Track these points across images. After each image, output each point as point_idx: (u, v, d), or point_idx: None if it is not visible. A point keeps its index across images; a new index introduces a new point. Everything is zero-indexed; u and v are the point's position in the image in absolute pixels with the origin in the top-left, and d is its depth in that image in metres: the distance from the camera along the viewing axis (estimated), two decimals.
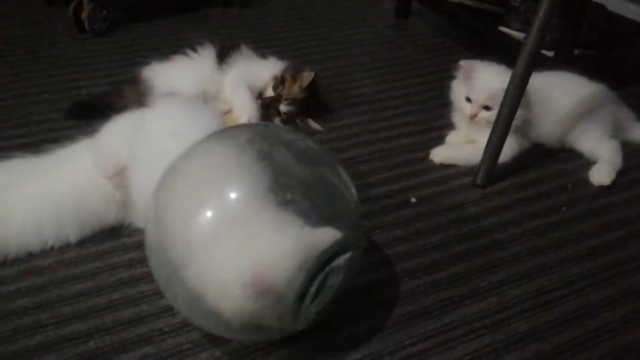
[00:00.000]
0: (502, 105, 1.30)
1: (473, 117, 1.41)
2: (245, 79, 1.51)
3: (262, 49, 1.70)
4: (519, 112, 1.33)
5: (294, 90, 1.52)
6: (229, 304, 0.82)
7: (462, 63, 1.43)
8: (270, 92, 1.53)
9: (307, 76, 1.53)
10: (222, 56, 1.56)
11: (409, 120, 1.63)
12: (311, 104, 1.58)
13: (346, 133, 1.56)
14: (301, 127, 1.55)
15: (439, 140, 1.53)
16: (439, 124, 1.58)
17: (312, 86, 1.55)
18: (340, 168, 0.95)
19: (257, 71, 1.55)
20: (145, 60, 1.60)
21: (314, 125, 1.55)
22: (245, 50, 1.60)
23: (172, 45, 1.88)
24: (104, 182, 1.16)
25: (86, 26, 1.92)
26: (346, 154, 1.48)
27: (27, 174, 1.16)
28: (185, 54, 1.57)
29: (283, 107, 1.53)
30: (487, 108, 1.40)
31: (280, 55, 1.66)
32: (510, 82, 1.27)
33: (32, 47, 1.87)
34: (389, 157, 1.48)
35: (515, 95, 1.28)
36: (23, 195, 1.12)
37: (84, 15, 1.92)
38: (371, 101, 1.72)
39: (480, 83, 1.40)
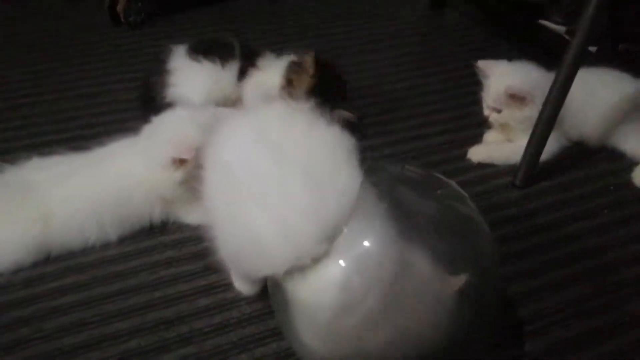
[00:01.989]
0: (545, 104, 1.27)
1: (486, 119, 1.42)
2: (262, 91, 1.45)
3: (293, 42, 1.69)
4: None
5: (304, 80, 1.42)
6: None
7: (480, 64, 1.42)
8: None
9: (307, 60, 1.41)
10: (245, 59, 1.49)
11: (445, 117, 1.61)
12: (332, 87, 1.47)
13: (380, 130, 1.55)
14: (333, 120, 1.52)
15: (477, 138, 1.51)
16: (476, 121, 1.54)
17: (319, 66, 1.42)
18: (467, 198, 0.86)
19: (272, 78, 1.46)
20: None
21: (346, 114, 1.48)
22: (264, 55, 1.52)
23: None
24: (147, 180, 1.16)
25: (122, 19, 1.94)
26: (380, 153, 1.46)
27: (68, 171, 1.17)
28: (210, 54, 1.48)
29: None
30: (497, 110, 1.38)
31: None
32: (555, 81, 1.24)
33: (68, 40, 1.89)
34: (424, 156, 1.46)
35: (559, 94, 1.24)
36: (64, 193, 1.14)
37: (119, 7, 1.93)
38: (406, 97, 1.69)
39: (490, 84, 1.40)
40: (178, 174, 1.15)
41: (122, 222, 1.17)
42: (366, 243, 0.77)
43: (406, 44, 1.97)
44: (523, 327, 1.04)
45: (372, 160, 0.87)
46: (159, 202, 1.19)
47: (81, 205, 1.14)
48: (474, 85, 1.51)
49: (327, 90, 1.43)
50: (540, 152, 1.33)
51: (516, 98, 1.36)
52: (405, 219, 0.77)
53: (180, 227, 1.22)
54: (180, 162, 1.14)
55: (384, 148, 1.48)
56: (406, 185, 0.82)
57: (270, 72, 1.47)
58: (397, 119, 1.59)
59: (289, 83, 1.43)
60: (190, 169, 1.13)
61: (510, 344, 1.02)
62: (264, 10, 2.15)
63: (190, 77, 1.46)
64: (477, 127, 1.53)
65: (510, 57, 1.47)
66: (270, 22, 2.07)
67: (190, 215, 1.22)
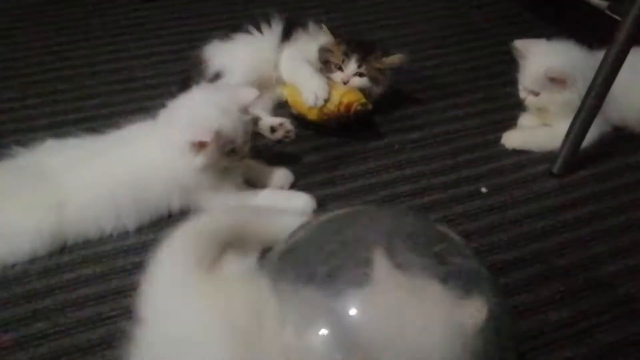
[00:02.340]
0: (591, 87, 1.18)
1: (522, 102, 1.34)
2: (304, 55, 1.39)
3: (316, 16, 1.60)
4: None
5: (375, 66, 1.37)
6: None
7: (517, 44, 1.33)
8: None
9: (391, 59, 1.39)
10: (286, 34, 1.43)
11: (478, 97, 1.52)
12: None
13: (408, 112, 1.47)
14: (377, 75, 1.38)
15: (511, 121, 1.42)
16: (510, 103, 1.45)
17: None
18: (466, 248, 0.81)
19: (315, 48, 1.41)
20: (202, 32, 1.53)
21: (394, 59, 1.39)
22: (312, 27, 1.46)
23: (235, 16, 1.80)
24: (165, 167, 1.11)
25: None
26: (408, 136, 1.39)
27: (83, 156, 1.12)
28: (247, 31, 1.43)
29: (359, 82, 1.36)
30: (534, 93, 1.29)
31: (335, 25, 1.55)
32: (603, 62, 1.14)
33: (88, 13, 1.82)
34: (456, 140, 1.38)
35: (608, 77, 1.15)
36: (79, 180, 1.09)
37: None
38: (435, 75, 1.61)
39: (527, 66, 1.32)
40: (198, 160, 1.08)
41: (140, 211, 1.12)
42: None
43: (435, 18, 1.87)
44: (564, 330, 0.98)
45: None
46: (178, 190, 1.13)
47: (97, 193, 1.09)
48: (507, 63, 1.42)
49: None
50: (582, 139, 1.25)
51: (556, 81, 1.27)
52: None
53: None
54: (200, 145, 1.07)
55: (411, 132, 1.40)
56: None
57: (307, 46, 1.40)
58: (425, 100, 1.51)
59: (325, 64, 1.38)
60: (210, 153, 1.07)
61: (550, 348, 0.95)
62: None
63: (230, 48, 1.39)
64: (512, 109, 1.44)
65: (547, 34, 1.38)
66: None
67: (211, 203, 1.16)
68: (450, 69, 1.63)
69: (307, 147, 1.35)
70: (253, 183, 1.22)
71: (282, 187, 1.22)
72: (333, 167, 1.30)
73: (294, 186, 1.23)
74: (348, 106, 1.30)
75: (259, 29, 1.43)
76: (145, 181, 1.11)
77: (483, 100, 1.51)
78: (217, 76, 1.36)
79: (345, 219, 0.84)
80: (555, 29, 1.35)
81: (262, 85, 1.33)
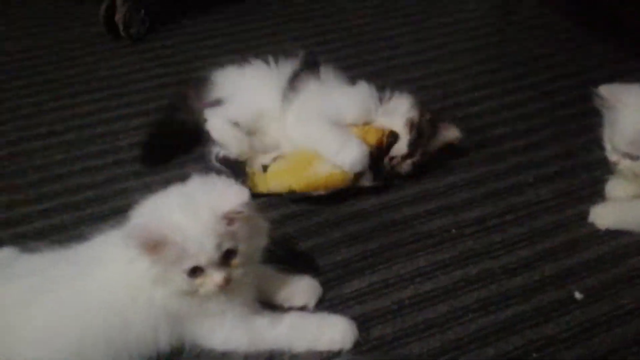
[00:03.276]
0: None
1: (614, 164, 1.03)
2: (330, 114, 1.10)
3: (333, 47, 1.33)
4: None
5: (429, 149, 1.13)
6: None
7: (603, 90, 1.01)
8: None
9: (452, 133, 1.15)
10: (295, 76, 1.17)
11: (547, 155, 1.21)
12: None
13: (458, 179, 1.15)
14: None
15: (596, 188, 1.11)
16: (590, 161, 1.14)
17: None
18: None
19: (343, 104, 1.13)
20: (197, 73, 1.29)
21: (449, 136, 1.15)
22: (326, 71, 1.19)
23: (226, 51, 1.53)
24: (146, 289, 0.81)
25: (121, 31, 1.56)
26: (465, 215, 1.08)
27: (39, 286, 0.82)
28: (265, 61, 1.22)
29: (403, 168, 1.12)
30: (631, 156, 0.99)
31: (370, 71, 1.26)
32: None
33: (60, 59, 1.53)
34: (528, 218, 1.07)
35: None
36: (32, 319, 0.80)
37: (117, 18, 1.56)
38: (486, 125, 1.29)
39: (619, 121, 1.00)
40: (150, 271, 0.78)
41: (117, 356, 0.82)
42: None
43: (476, 47, 1.56)
44: None
45: None
46: (163, 320, 0.83)
47: (56, 336, 0.79)
48: (579, 102, 1.11)
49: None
50: None
51: None
52: None
53: (202, 354, 0.85)
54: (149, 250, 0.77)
55: (466, 208, 1.09)
56: None
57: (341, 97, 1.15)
58: (478, 161, 1.19)
59: (418, 131, 1.11)
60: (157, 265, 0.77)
61: None
62: (294, 7, 1.75)
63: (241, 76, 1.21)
64: (592, 169, 1.13)
65: (625, 70, 1.07)
66: (300, 22, 1.67)
67: (213, 336, 0.86)
68: (504, 115, 1.32)
69: (331, 239, 1.04)
70: (268, 297, 0.92)
71: (307, 304, 0.92)
72: (370, 267, 0.99)
73: (322, 301, 0.92)
74: (379, 143, 1.08)
75: (275, 61, 1.21)
76: (120, 314, 0.81)
77: (555, 158, 1.20)
78: (217, 101, 1.18)
79: None
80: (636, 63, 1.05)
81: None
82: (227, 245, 0.79)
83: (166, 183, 0.84)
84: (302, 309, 0.91)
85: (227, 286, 0.79)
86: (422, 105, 1.14)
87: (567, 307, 0.92)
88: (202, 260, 0.77)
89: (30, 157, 1.22)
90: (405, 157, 1.10)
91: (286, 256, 0.92)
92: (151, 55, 1.54)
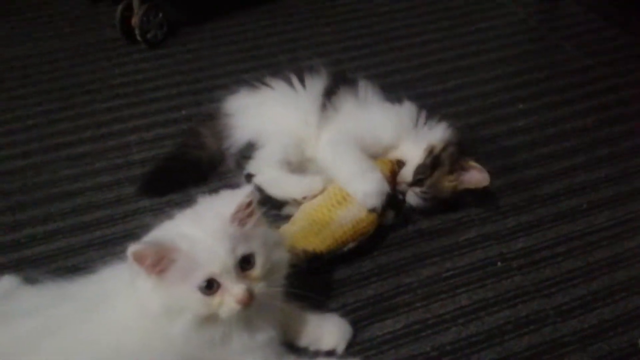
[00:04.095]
0: None
1: None
2: (359, 140, 1.00)
3: (358, 55, 1.22)
4: None
5: (444, 185, 1.00)
6: None
7: None
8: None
9: (477, 178, 0.99)
10: (329, 93, 1.07)
11: (598, 177, 1.09)
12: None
13: (501, 204, 1.04)
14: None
15: None
16: None
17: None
18: None
19: (380, 124, 1.03)
20: (217, 81, 1.21)
21: (480, 178, 0.99)
22: (363, 87, 1.08)
23: (249, 58, 1.43)
24: (157, 332, 0.72)
25: (137, 36, 1.48)
26: (508, 246, 0.96)
27: (45, 323, 0.74)
28: (287, 80, 1.09)
29: (412, 199, 1.01)
30: None
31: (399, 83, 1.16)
32: None
33: (72, 65, 1.45)
34: (584, 251, 0.95)
35: None
36: None
37: (134, 21, 1.47)
38: (534, 143, 1.18)
39: None
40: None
41: None
42: None
43: (517, 55, 1.44)
44: None
45: None
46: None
47: None
48: (632, 118, 1.00)
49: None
50: None
51: None
52: None
53: None
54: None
55: (515, 237, 0.98)
56: None
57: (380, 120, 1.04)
58: (522, 181, 1.08)
59: (432, 163, 1.00)
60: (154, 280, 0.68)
61: None
62: (320, 11, 1.65)
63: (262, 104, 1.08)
64: None
65: None
66: (325, 26, 1.57)
67: None
68: (549, 131, 1.20)
69: (362, 272, 0.94)
70: (292, 338, 0.82)
71: (336, 348, 0.82)
72: (405, 305, 0.89)
73: (353, 345, 0.82)
74: (392, 173, 0.99)
75: (302, 81, 1.09)
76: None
77: (609, 181, 1.08)
78: (249, 148, 1.05)
79: None
80: None
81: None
82: (241, 249, 0.69)
83: (177, 205, 0.75)
84: (330, 353, 0.82)
85: (250, 303, 0.68)
86: (455, 136, 1.02)
87: (629, 358, 0.81)
88: (215, 267, 0.67)
89: (38, 171, 1.14)
90: (411, 185, 0.99)
91: (311, 290, 0.83)
92: (169, 61, 1.45)
